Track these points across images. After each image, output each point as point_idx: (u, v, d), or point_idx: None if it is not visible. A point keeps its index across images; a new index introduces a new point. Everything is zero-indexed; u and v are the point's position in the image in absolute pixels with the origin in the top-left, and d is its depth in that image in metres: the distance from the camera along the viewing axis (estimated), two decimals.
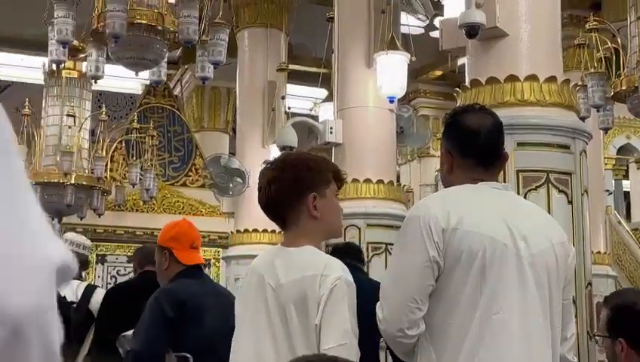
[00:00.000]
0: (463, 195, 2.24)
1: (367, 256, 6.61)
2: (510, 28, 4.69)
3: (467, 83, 4.87)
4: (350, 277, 2.21)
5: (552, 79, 4.63)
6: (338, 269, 2.20)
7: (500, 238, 2.14)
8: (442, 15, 6.79)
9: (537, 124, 4.57)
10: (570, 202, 4.52)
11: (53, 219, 9.64)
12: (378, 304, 2.22)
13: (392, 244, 6.65)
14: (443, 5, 6.22)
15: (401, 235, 2.29)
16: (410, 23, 7.31)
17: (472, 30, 4.61)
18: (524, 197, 4.48)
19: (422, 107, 12.95)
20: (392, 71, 6.58)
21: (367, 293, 2.46)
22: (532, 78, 4.60)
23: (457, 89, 5.04)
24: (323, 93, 10.70)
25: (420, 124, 8.49)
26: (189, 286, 3.46)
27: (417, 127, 8.11)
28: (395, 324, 2.15)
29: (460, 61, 7.23)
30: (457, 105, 4.92)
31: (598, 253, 9.63)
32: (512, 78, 4.61)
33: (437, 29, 8.50)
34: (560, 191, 4.51)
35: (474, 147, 2.27)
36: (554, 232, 2.30)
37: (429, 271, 2.13)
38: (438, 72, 12.99)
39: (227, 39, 5.93)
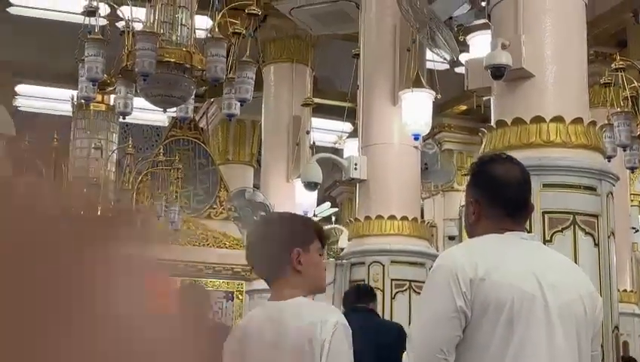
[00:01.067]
0: (490, 245, 2.24)
1: (391, 293, 6.59)
2: (536, 69, 4.71)
3: (493, 123, 4.88)
4: (345, 321, 2.28)
5: (578, 120, 4.63)
6: (336, 313, 2.31)
7: (528, 289, 2.14)
8: (467, 51, 6.82)
9: (564, 165, 4.56)
10: (596, 244, 4.50)
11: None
12: (405, 354, 2.22)
13: (416, 281, 6.64)
14: (468, 44, 6.25)
15: (428, 285, 2.30)
16: (435, 59, 7.34)
17: (497, 71, 4.64)
18: (550, 239, 4.47)
19: (446, 141, 12.95)
20: (417, 108, 6.60)
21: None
22: (558, 119, 4.61)
23: (483, 129, 5.05)
24: (347, 126, 10.75)
25: (445, 161, 8.50)
26: None
27: (442, 163, 8.12)
28: None
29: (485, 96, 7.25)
30: (482, 146, 4.93)
31: (625, 291, 9.52)
32: (538, 119, 4.62)
33: (462, 64, 8.54)
34: (587, 233, 4.49)
35: (503, 197, 2.26)
36: (582, 283, 2.29)
37: (457, 322, 2.13)
38: (463, 107, 12.99)
39: (254, 77, 5.99)
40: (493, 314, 2.12)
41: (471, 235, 2.34)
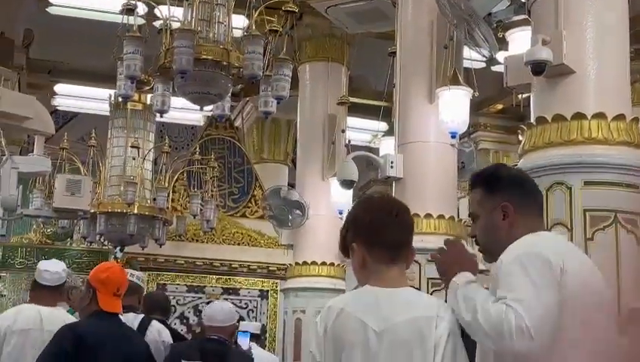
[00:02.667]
0: (560, 241, 2.36)
1: (428, 293, 6.54)
2: (577, 65, 4.64)
3: (532, 120, 4.82)
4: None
5: (620, 117, 4.56)
6: (449, 309, 2.28)
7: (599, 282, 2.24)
8: (505, 49, 6.76)
9: (605, 162, 4.49)
10: (639, 243, 4.42)
11: (116, 248, 9.79)
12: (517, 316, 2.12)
13: None
14: (507, 41, 6.18)
15: (531, 271, 2.19)
16: (472, 57, 7.28)
17: (538, 67, 4.58)
18: (592, 238, 4.41)
19: (482, 140, 12.85)
20: (454, 106, 6.55)
21: None
22: (600, 115, 4.54)
23: (522, 126, 4.99)
24: (383, 125, 10.71)
25: (481, 159, 8.43)
26: (95, 325, 3.72)
27: (478, 162, 8.05)
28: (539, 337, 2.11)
29: (522, 96, 7.17)
30: (522, 143, 4.87)
31: None
32: (579, 116, 4.55)
33: (499, 62, 8.45)
34: (629, 231, 4.41)
35: (536, 200, 2.36)
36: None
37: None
38: (499, 106, 12.88)
39: (290, 74, 5.99)
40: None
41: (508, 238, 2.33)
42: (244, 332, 7.44)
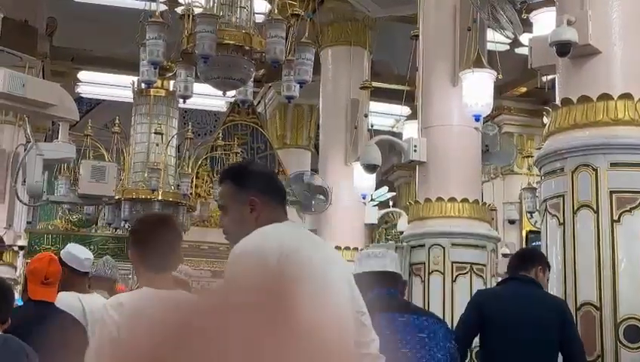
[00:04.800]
0: (286, 232, 2.40)
1: (452, 276, 6.53)
2: (603, 45, 4.58)
3: (558, 102, 4.78)
4: None
5: None
6: None
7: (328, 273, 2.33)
8: (529, 32, 6.69)
9: (632, 143, 4.45)
10: None
11: None
12: None
13: (477, 264, 6.57)
14: (531, 22, 6.12)
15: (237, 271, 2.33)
16: (496, 39, 7.22)
17: (563, 48, 4.53)
18: (618, 219, 4.37)
19: (506, 124, 12.75)
20: (478, 89, 6.50)
21: None
22: (626, 96, 4.48)
23: (547, 108, 4.95)
24: (405, 109, 10.67)
25: (505, 143, 8.37)
26: (23, 315, 3.66)
27: (502, 145, 7.99)
28: None
29: (547, 78, 7.10)
30: (547, 125, 4.83)
31: None
32: (605, 97, 4.50)
33: (523, 45, 8.37)
34: None
35: (279, 194, 2.43)
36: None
37: None
38: (523, 89, 12.78)
39: (313, 58, 5.98)
40: None
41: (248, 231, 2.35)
42: None
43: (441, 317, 3.26)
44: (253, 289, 0.62)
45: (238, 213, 2.42)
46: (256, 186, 2.41)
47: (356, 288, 2.38)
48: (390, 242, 10.83)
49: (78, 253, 4.83)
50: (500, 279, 5.30)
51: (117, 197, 9.06)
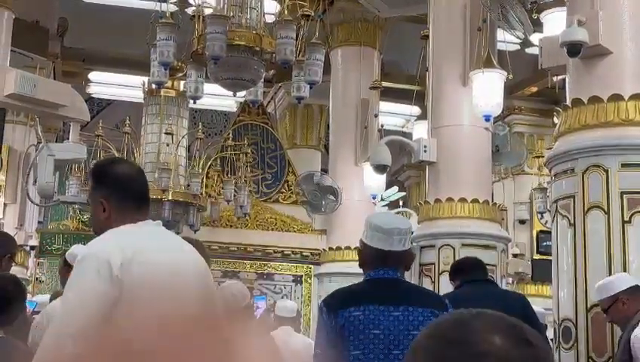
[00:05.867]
0: (134, 233, 2.45)
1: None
2: (614, 45, 4.57)
3: (568, 102, 4.77)
4: None
5: None
6: None
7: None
8: (540, 31, 6.68)
9: None
10: None
11: None
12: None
13: (487, 264, 6.53)
14: (541, 22, 6.11)
15: (78, 271, 2.40)
16: (506, 39, 7.21)
17: (573, 48, 4.52)
18: (629, 220, 4.35)
19: (516, 124, 12.70)
20: (488, 89, 6.49)
21: None
22: (637, 96, 4.47)
23: (557, 108, 4.94)
24: (415, 109, 10.66)
25: (515, 143, 8.34)
26: None
27: (512, 145, 7.97)
28: None
29: (557, 78, 7.07)
30: (557, 125, 4.82)
31: None
32: (616, 97, 4.49)
33: (533, 45, 8.36)
34: None
35: (133, 196, 2.46)
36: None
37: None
38: (534, 89, 12.73)
39: (323, 59, 5.98)
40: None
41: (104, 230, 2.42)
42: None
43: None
44: None
45: (94, 212, 2.51)
46: (110, 188, 2.47)
47: (212, 287, 2.52)
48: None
49: None
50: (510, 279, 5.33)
51: None
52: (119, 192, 2.45)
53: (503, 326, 0.88)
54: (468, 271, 4.48)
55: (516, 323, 0.89)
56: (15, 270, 5.15)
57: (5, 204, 11.02)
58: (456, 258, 6.53)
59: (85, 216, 12.62)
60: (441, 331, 0.89)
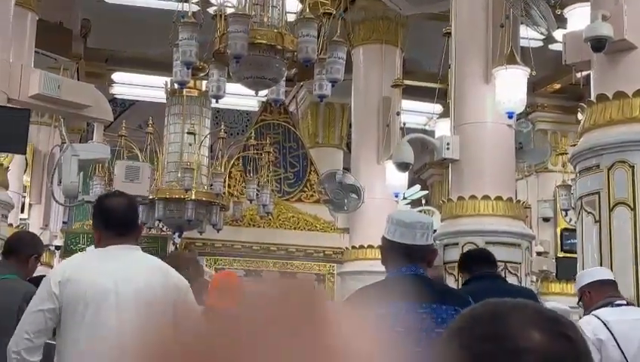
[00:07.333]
0: (87, 256, 3.29)
1: None
2: (639, 40, 4.52)
3: (593, 98, 4.72)
4: None
5: None
6: None
7: (101, 283, 2.92)
8: (563, 28, 6.62)
9: None
10: None
11: (174, 234, 9.93)
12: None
13: (511, 262, 6.52)
14: (565, 18, 6.06)
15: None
16: (529, 36, 7.15)
17: (598, 43, 4.48)
18: None
19: (540, 121, 12.62)
20: (511, 85, 6.44)
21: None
22: None
23: (581, 104, 4.90)
24: (437, 107, 10.62)
25: (539, 140, 8.28)
26: None
27: (536, 142, 7.91)
28: None
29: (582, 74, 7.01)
30: (582, 121, 4.78)
31: None
32: None
33: (557, 41, 8.29)
34: None
35: (114, 226, 3.03)
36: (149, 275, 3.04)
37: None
38: (557, 85, 12.65)
39: (345, 57, 5.97)
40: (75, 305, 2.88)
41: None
42: None
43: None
44: None
45: (93, 236, 3.18)
46: (98, 218, 3.12)
47: (156, 302, 2.87)
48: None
49: None
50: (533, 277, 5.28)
51: (151, 197, 9.14)
52: (105, 222, 3.06)
53: (541, 319, 0.85)
54: (480, 265, 4.41)
55: (554, 317, 0.86)
56: (40, 270, 5.20)
57: (30, 205, 11.12)
58: None
59: None
60: (476, 324, 0.86)
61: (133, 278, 2.92)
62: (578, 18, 5.61)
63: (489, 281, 4.24)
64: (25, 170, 10.33)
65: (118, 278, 2.90)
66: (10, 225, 7.78)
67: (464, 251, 4.89)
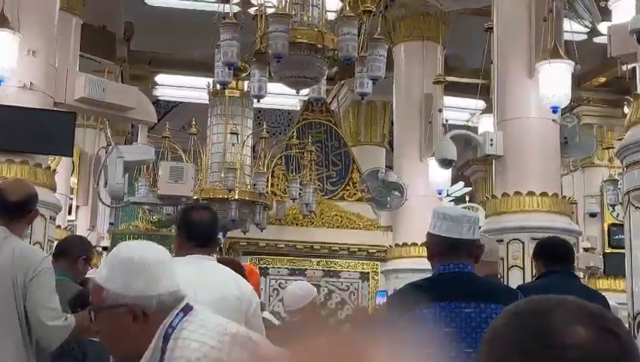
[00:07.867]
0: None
1: (532, 272, 6.41)
2: None
3: (639, 90, 4.64)
4: None
5: None
6: None
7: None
8: (608, 20, 6.52)
9: None
10: None
11: (218, 233, 10.01)
12: None
13: None
14: (610, 10, 5.96)
15: None
16: (573, 29, 7.06)
17: None
18: None
19: (585, 115, 12.43)
20: (555, 80, 6.37)
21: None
22: None
23: (627, 97, 4.81)
24: (480, 103, 10.54)
25: (584, 134, 8.16)
26: None
27: (581, 137, 7.80)
28: None
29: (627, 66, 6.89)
30: (628, 115, 4.70)
31: None
32: None
33: (601, 34, 8.16)
34: None
35: (193, 237, 3.15)
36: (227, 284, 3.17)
37: None
38: (602, 79, 12.45)
39: (386, 54, 5.95)
40: None
41: None
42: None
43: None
44: None
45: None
46: (182, 228, 3.23)
47: (232, 315, 2.77)
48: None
49: None
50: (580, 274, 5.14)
51: (195, 197, 9.22)
52: (185, 231, 3.18)
53: (586, 315, 0.83)
54: (555, 260, 3.98)
55: (600, 312, 0.84)
56: (92, 273, 5.26)
57: (78, 206, 11.30)
58: (526, 252, 6.43)
59: (155, 217, 12.86)
60: (520, 320, 0.85)
61: (211, 288, 2.97)
62: (623, 10, 5.51)
63: (561, 279, 3.84)
64: (72, 173, 10.50)
65: (197, 287, 2.85)
66: (59, 226, 7.91)
67: (544, 239, 4.36)
